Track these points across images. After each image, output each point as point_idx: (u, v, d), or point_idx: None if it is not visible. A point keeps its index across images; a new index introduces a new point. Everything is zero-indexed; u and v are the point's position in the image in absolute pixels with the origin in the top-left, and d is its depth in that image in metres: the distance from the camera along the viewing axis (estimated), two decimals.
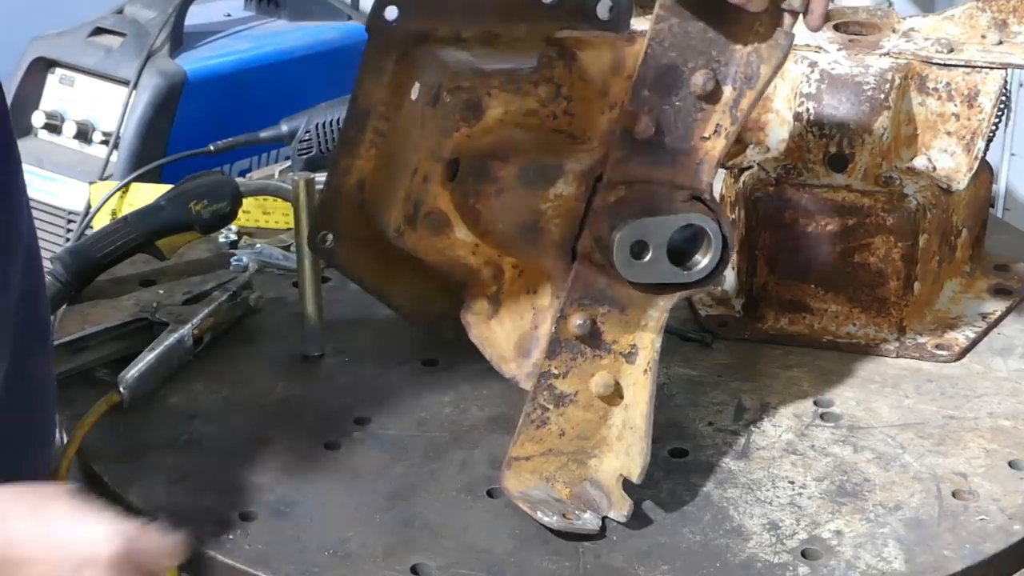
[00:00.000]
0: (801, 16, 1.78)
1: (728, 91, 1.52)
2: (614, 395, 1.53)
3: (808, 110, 1.82)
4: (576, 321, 1.52)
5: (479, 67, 1.56)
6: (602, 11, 1.59)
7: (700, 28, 1.50)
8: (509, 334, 1.63)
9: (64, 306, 1.88)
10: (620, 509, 1.50)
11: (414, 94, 1.60)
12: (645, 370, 1.53)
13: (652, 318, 1.53)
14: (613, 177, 1.51)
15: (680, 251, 1.52)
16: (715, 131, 1.52)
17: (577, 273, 1.52)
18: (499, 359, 1.63)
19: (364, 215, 1.68)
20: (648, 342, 1.53)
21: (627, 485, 1.51)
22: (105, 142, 2.72)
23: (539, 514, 1.48)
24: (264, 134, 2.36)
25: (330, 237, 1.69)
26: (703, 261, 1.52)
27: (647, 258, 1.50)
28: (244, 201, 2.01)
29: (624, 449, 1.53)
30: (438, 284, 1.71)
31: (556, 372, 1.52)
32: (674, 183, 1.52)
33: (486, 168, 1.55)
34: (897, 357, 1.81)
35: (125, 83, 2.72)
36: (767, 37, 1.49)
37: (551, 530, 1.49)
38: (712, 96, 1.51)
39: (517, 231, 1.55)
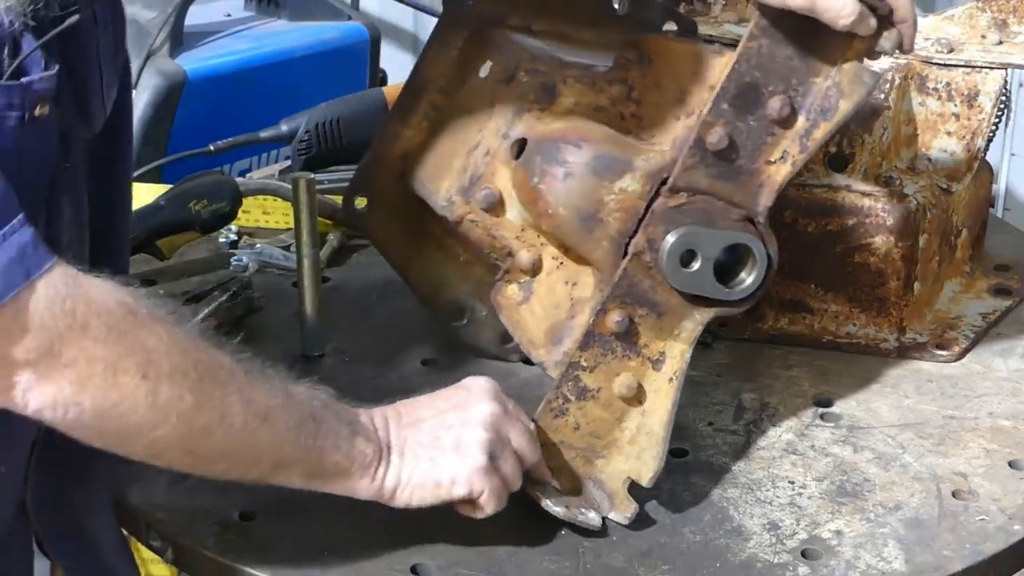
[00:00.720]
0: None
1: (801, 120, 1.52)
2: (634, 398, 1.53)
3: None
4: (615, 318, 1.52)
5: (557, 56, 1.61)
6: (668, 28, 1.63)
7: (787, 54, 1.51)
8: (540, 321, 1.63)
9: None
10: (623, 511, 1.50)
11: (483, 72, 1.64)
12: (671, 379, 1.53)
13: (686, 329, 1.53)
14: (678, 183, 1.52)
15: (724, 268, 1.53)
16: (782, 157, 1.53)
17: (625, 270, 1.53)
18: (528, 343, 1.64)
19: (403, 186, 1.71)
20: (678, 352, 1.53)
21: (633, 486, 1.51)
22: None
23: (545, 501, 1.48)
24: (264, 134, 2.36)
25: (364, 201, 1.73)
26: (746, 281, 1.52)
27: (694, 268, 1.51)
28: (244, 201, 2.01)
29: (636, 453, 1.52)
30: (460, 270, 1.72)
31: (585, 365, 1.52)
32: (732, 200, 1.52)
33: (558, 149, 1.57)
34: (897, 357, 1.81)
35: None
36: (851, 72, 1.50)
37: (557, 520, 1.49)
38: (786, 122, 1.52)
39: (576, 217, 1.56)
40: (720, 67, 1.55)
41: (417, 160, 1.70)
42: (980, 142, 1.83)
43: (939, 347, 1.82)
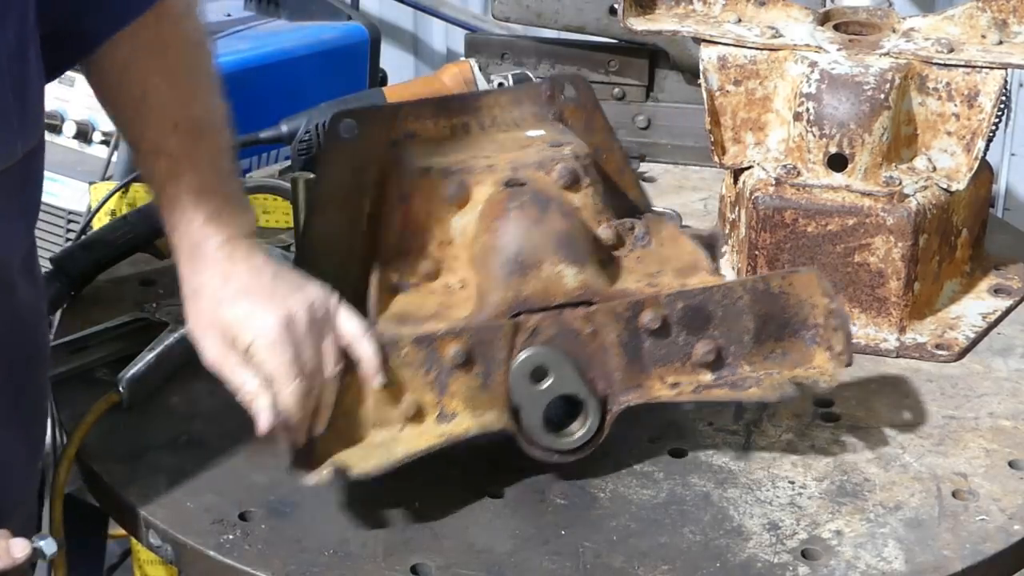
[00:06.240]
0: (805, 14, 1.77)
1: (709, 377, 1.55)
2: (405, 418, 1.53)
3: (808, 110, 1.82)
4: (459, 348, 1.51)
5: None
6: None
7: (748, 326, 1.55)
8: (401, 302, 1.61)
9: (64, 306, 1.88)
10: (315, 479, 1.47)
11: None
12: (442, 435, 1.52)
13: (487, 418, 1.53)
14: (596, 315, 1.53)
15: (558, 420, 1.54)
16: (673, 384, 1.55)
17: (500, 327, 1.52)
18: (374, 307, 1.59)
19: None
20: (465, 425, 1.53)
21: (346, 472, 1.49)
22: (105, 142, 2.72)
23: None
24: (264, 134, 2.36)
25: None
26: (575, 433, 1.54)
27: (540, 386, 1.52)
28: None
29: (371, 450, 1.51)
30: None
31: (403, 356, 1.50)
32: (611, 374, 1.54)
33: (550, 200, 1.59)
34: (897, 357, 1.81)
35: None
36: (781, 379, 1.55)
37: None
38: (700, 365, 1.55)
39: (511, 255, 1.55)
40: (702, 279, 1.57)
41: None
42: (980, 142, 1.83)
43: (939, 347, 1.82)
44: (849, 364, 1.54)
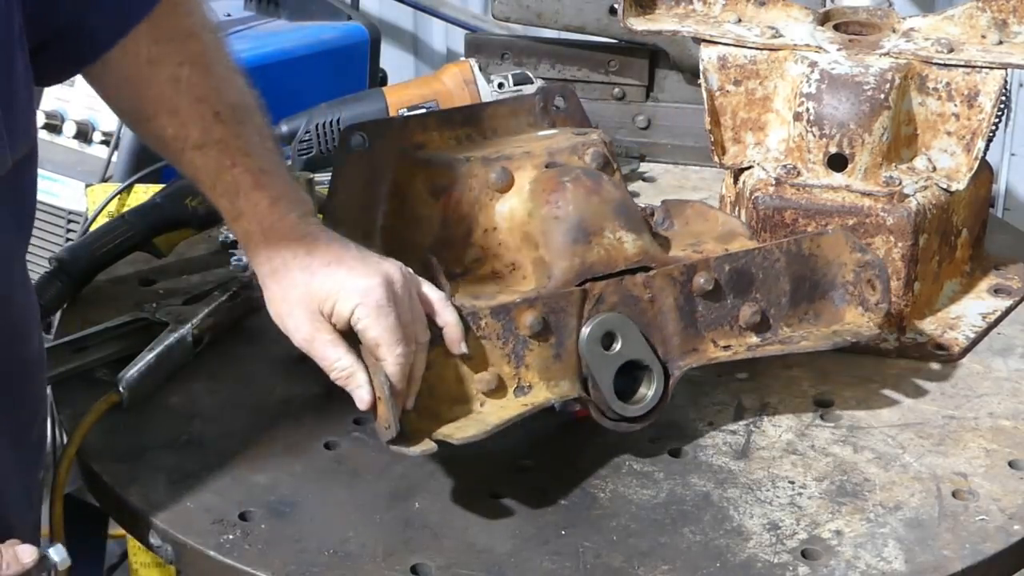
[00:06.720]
0: (804, 15, 1.78)
1: (755, 339, 1.62)
2: (483, 392, 1.54)
3: (808, 110, 1.82)
4: (536, 316, 1.53)
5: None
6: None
7: (785, 288, 1.63)
8: (461, 287, 1.64)
9: (64, 306, 1.88)
10: (419, 449, 1.47)
11: None
12: (524, 404, 1.54)
13: (562, 387, 1.56)
14: (653, 280, 1.58)
15: (625, 388, 1.58)
16: (725, 347, 1.61)
17: (569, 293, 1.56)
18: (447, 289, 1.60)
19: None
20: (542, 396, 1.55)
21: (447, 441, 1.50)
22: (105, 142, 2.72)
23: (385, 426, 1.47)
24: None
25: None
26: (646, 396, 1.58)
27: (611, 350, 1.56)
28: None
29: (463, 423, 1.52)
30: None
31: (483, 326, 1.53)
32: (670, 339, 1.59)
33: (601, 176, 1.67)
34: (897, 357, 1.81)
35: None
36: (826, 333, 1.62)
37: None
38: (746, 328, 1.62)
39: (573, 224, 1.61)
40: (743, 244, 1.66)
41: None
42: (980, 142, 1.83)
43: (939, 347, 1.82)
44: (888, 310, 1.62)
